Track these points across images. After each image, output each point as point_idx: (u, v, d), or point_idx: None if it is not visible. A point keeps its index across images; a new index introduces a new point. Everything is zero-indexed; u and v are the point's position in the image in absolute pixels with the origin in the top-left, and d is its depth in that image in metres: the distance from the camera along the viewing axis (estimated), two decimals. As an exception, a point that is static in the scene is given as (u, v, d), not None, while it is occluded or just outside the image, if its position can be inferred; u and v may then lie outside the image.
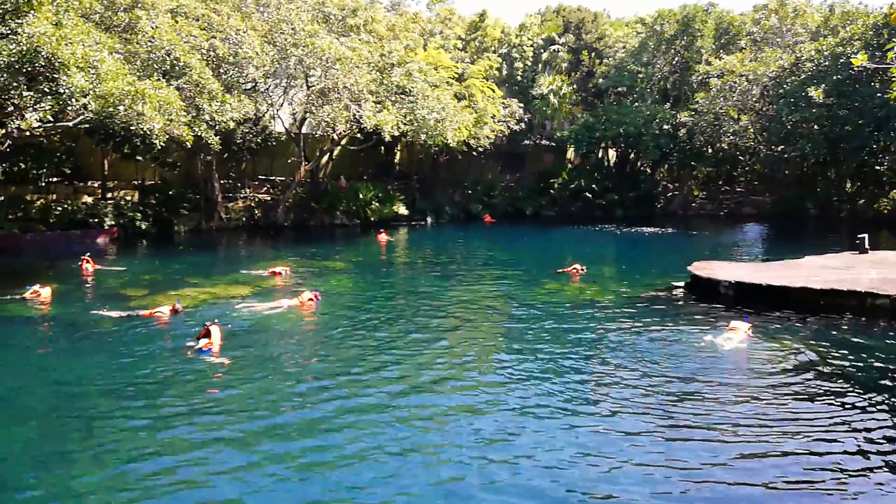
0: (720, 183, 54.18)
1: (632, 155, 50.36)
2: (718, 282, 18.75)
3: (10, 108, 22.36)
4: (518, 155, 50.78)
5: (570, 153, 52.88)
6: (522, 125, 45.39)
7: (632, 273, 25.03)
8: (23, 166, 30.40)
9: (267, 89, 35.11)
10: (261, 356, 13.72)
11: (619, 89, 50.07)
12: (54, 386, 11.92)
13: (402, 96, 35.53)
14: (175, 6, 28.84)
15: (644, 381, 12.13)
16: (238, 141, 35.98)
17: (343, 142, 39.48)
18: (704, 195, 52.86)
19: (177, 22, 27.83)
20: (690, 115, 43.41)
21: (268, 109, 36.58)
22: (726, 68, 42.42)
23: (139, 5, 26.36)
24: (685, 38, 46.61)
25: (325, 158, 41.78)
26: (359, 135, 38.02)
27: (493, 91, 42.58)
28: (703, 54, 46.67)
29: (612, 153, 52.62)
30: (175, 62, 25.84)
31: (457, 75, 41.33)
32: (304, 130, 38.41)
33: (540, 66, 49.52)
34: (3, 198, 31.26)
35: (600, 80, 49.97)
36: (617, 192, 46.56)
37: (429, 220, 42.37)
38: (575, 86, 50.12)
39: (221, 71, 29.45)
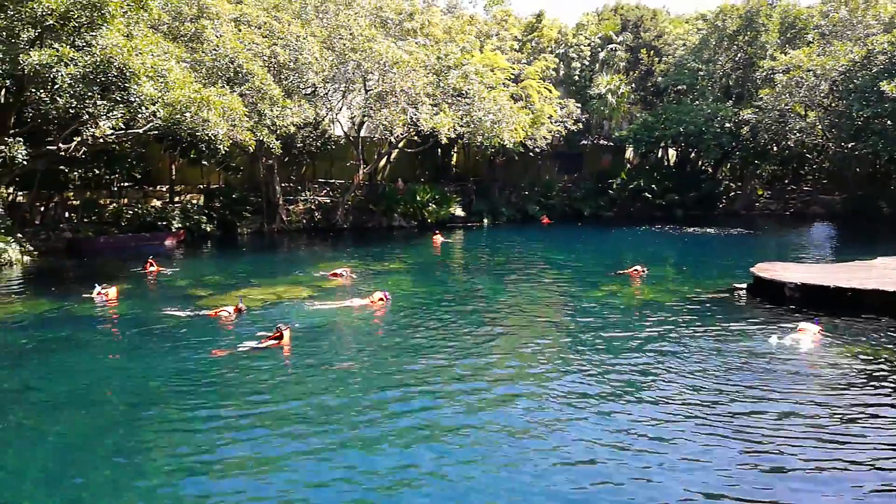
0: (786, 182, 52.46)
1: (692, 154, 49.28)
2: (783, 284, 18.22)
3: (86, 117, 23.44)
4: (575, 155, 50.31)
5: (629, 153, 52.11)
6: (580, 125, 44.93)
7: (693, 274, 24.52)
8: (97, 172, 31.74)
9: (326, 94, 35.79)
10: (329, 355, 14.03)
11: (679, 87, 49.06)
12: (124, 383, 12.45)
13: (459, 98, 35.68)
14: (238, 15, 29.69)
15: (705, 383, 11.92)
16: (298, 145, 36.76)
17: (400, 144, 39.87)
18: (769, 194, 51.30)
19: (240, 30, 28.65)
20: (754, 112, 42.19)
21: (327, 114, 37.30)
22: (792, 63, 41.05)
23: (205, 15, 27.27)
24: (749, 33, 45.35)
25: (383, 161, 42.31)
26: (416, 137, 38.35)
27: (550, 91, 42.31)
28: (767, 49, 45.30)
29: (671, 152, 51.60)
30: (238, 69, 26.61)
31: (513, 76, 41.24)
32: (362, 134, 38.99)
33: (597, 65, 48.95)
34: (79, 202, 32.77)
35: (659, 78, 49.06)
36: (677, 192, 45.62)
37: (485, 221, 42.39)
38: (633, 85, 49.34)
39: (282, 77, 30.17)
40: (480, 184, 46.18)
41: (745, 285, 19.90)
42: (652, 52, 50.15)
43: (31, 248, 26.79)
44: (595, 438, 9.66)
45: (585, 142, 50.11)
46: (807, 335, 14.20)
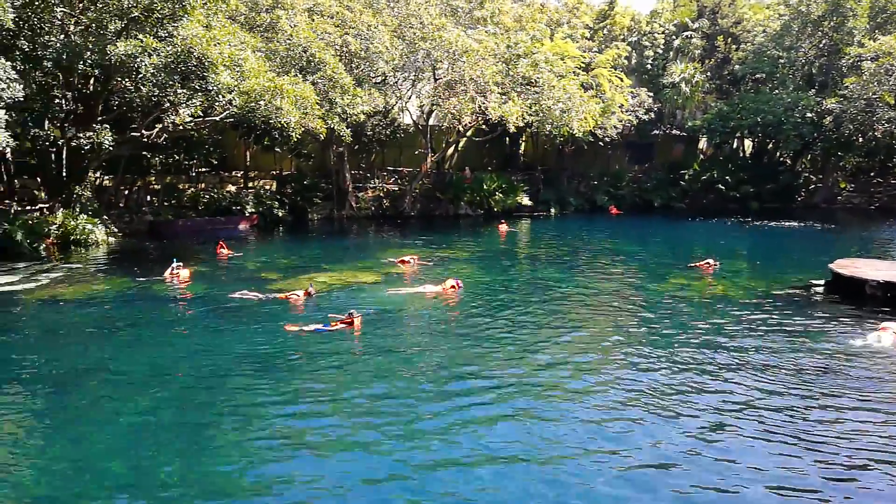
0: (871, 175, 49.92)
1: (770, 145, 47.47)
2: (865, 281, 17.47)
3: (167, 105, 24.41)
4: (646, 145, 49.21)
5: (703, 143, 50.59)
6: (651, 115, 43.91)
7: (767, 269, 23.75)
8: (176, 158, 33.07)
9: (396, 82, 36.11)
10: (398, 341, 14.32)
11: (758, 76, 47.25)
12: (198, 361, 12.99)
13: (528, 87, 35.43)
14: (312, 5, 30.24)
15: (776, 384, 11.58)
16: (368, 133, 37.27)
17: (468, 133, 39.90)
18: (853, 187, 48.94)
19: (313, 20, 29.19)
20: (838, 101, 40.28)
21: (396, 102, 37.66)
22: (882, 50, 38.93)
23: (280, 5, 27.91)
24: (835, 18, 43.21)
25: (451, 150, 42.45)
26: (484, 126, 38.31)
27: (622, 80, 41.48)
28: (855, 36, 43.08)
29: (747, 143, 49.85)
30: (311, 58, 27.14)
31: (584, 65, 40.63)
32: (430, 122, 39.19)
33: (671, 53, 47.66)
34: (160, 186, 34.19)
35: (736, 66, 47.35)
36: (753, 184, 44.07)
37: (552, 210, 42.02)
38: (708, 73, 47.82)
39: (353, 66, 30.60)
40: (548, 173, 45.77)
41: (822, 282, 19.17)
42: (729, 39, 48.46)
43: (116, 230, 28.20)
44: (663, 438, 9.52)
45: (657, 131, 48.91)
46: (888, 334, 13.59)
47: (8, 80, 20.58)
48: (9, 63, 21.20)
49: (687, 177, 45.35)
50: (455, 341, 14.28)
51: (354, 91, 28.40)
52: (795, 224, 36.40)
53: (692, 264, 22.63)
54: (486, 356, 13.14)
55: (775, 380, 11.69)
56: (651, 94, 43.64)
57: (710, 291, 19.24)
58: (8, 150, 22.79)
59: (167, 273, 20.03)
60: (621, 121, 40.53)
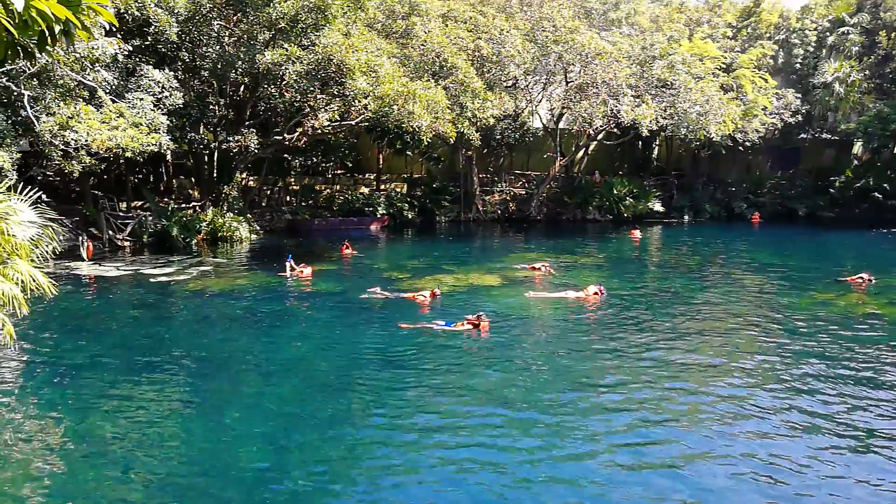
0: None
1: (938, 150, 43.09)
2: None
3: (307, 110, 25.73)
4: (792, 150, 46.09)
5: (857, 148, 46.66)
6: (799, 117, 41.11)
7: (930, 287, 21.57)
8: (314, 160, 34.80)
9: (527, 86, 36.04)
10: (523, 345, 14.32)
11: (925, 74, 43.05)
12: (329, 354, 13.60)
13: (663, 89, 34.28)
14: (446, 11, 30.82)
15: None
16: (497, 136, 37.46)
17: (599, 136, 39.14)
18: None
19: (447, 26, 29.73)
20: None
21: (527, 106, 37.60)
22: None
23: (415, 12, 28.66)
24: None
25: (581, 153, 41.79)
26: (615, 130, 37.43)
27: (766, 81, 39.13)
28: None
29: (911, 148, 45.50)
30: (443, 63, 27.65)
31: (724, 65, 38.72)
32: (560, 126, 38.79)
33: (824, 51, 44.34)
34: (298, 187, 36.08)
35: (900, 63, 43.40)
36: (916, 193, 40.20)
37: (686, 217, 40.36)
38: (867, 72, 44.09)
39: (485, 69, 30.86)
40: (683, 178, 44.02)
41: None
42: (893, 34, 44.47)
43: (258, 227, 30.05)
44: (801, 470, 8.91)
45: (804, 135, 45.68)
46: None
47: (170, 89, 22.50)
48: (171, 73, 23.19)
49: (837, 184, 42.05)
50: (582, 351, 14.04)
51: (485, 95, 28.63)
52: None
53: (842, 278, 20.97)
54: (613, 369, 12.82)
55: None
56: (799, 95, 40.87)
57: (861, 309, 17.73)
58: (168, 152, 24.86)
59: (286, 269, 21.08)
60: (764, 124, 38.25)
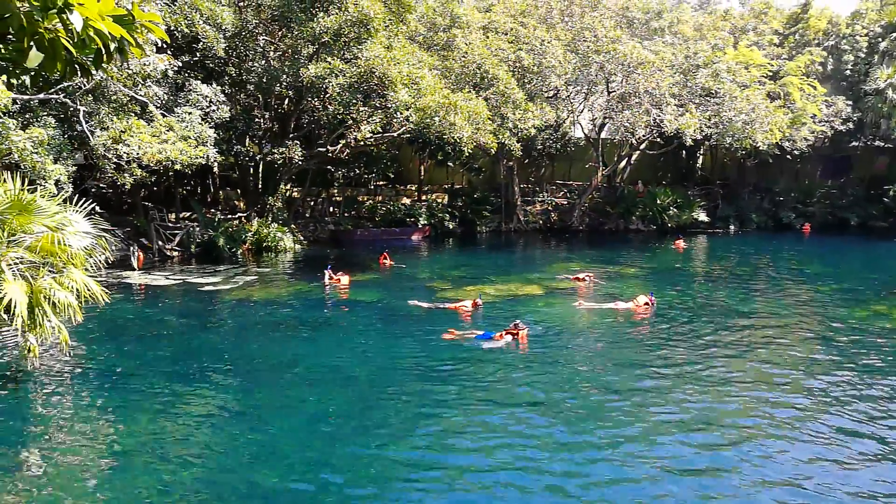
0: None
1: None
2: None
3: (350, 122, 26.10)
4: (842, 158, 44.88)
5: (912, 156, 45.25)
6: (849, 125, 40.05)
7: None
8: (357, 171, 35.24)
9: (568, 96, 35.94)
10: (572, 353, 14.29)
11: (985, 79, 41.54)
12: (369, 362, 13.75)
13: (707, 98, 33.81)
14: (487, 22, 30.98)
15: None
16: (538, 147, 37.39)
17: (642, 146, 38.76)
18: None
19: (488, 37, 29.89)
20: None
21: (568, 116, 37.46)
22: None
23: (456, 25, 28.89)
24: None
25: (623, 163, 41.43)
26: (658, 139, 37.02)
27: (815, 88, 38.26)
28: None
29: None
30: (484, 74, 27.77)
31: (771, 73, 38.01)
32: (602, 135, 38.55)
33: (876, 57, 43.13)
34: (341, 198, 36.55)
35: (958, 68, 41.97)
36: (975, 202, 38.77)
37: (732, 227, 39.61)
38: (922, 77, 42.79)
39: (526, 80, 30.89)
40: (728, 187, 43.25)
41: None
42: (948, 38, 43.05)
43: (302, 238, 30.51)
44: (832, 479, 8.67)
45: (856, 143, 44.46)
46: None
47: (217, 103, 23.10)
48: (218, 87, 23.80)
49: (892, 192, 40.81)
50: (621, 364, 13.90)
51: (526, 106, 28.65)
52: None
53: None
54: (660, 382, 12.65)
55: None
56: (849, 102, 39.84)
57: (916, 321, 17.17)
58: (215, 164, 25.51)
59: (325, 280, 21.33)
60: (813, 132, 37.39)
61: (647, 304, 18.02)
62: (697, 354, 14.22)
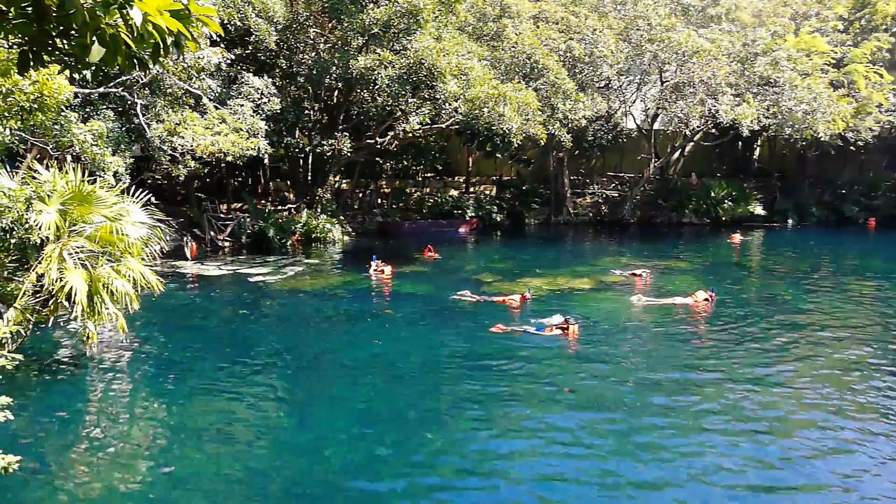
0: None
1: None
2: None
3: (398, 114, 26.11)
4: (910, 149, 43.07)
5: None
6: (919, 114, 38.34)
7: None
8: (405, 163, 35.29)
9: (620, 86, 35.27)
10: (615, 351, 14.01)
11: None
12: (415, 354, 13.73)
13: (766, 87, 32.73)
14: (538, 12, 30.54)
15: None
16: (589, 138, 36.79)
17: (696, 137, 37.78)
18: None
19: (538, 27, 29.47)
20: None
21: (620, 106, 36.76)
22: None
23: (506, 14, 28.55)
24: None
25: (676, 154, 40.45)
26: (714, 130, 36.03)
27: (881, 76, 36.70)
28: None
29: None
30: (534, 65, 27.40)
31: (834, 61, 36.58)
32: (655, 126, 37.70)
33: (947, 42, 41.19)
34: (389, 190, 36.67)
35: None
36: None
37: (790, 221, 38.37)
38: None
39: (577, 70, 30.40)
40: (786, 180, 41.88)
41: None
42: None
43: (350, 229, 30.73)
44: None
45: (925, 134, 42.60)
46: None
47: (269, 95, 23.33)
48: (270, 79, 24.04)
49: (962, 185, 38.98)
50: (673, 360, 13.57)
51: (576, 96, 28.20)
52: None
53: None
54: (715, 380, 12.31)
55: None
56: (919, 90, 38.08)
57: None
58: (266, 156, 25.77)
59: (371, 270, 21.41)
60: (879, 122, 35.88)
61: (706, 299, 17.53)
62: (758, 355, 13.76)
